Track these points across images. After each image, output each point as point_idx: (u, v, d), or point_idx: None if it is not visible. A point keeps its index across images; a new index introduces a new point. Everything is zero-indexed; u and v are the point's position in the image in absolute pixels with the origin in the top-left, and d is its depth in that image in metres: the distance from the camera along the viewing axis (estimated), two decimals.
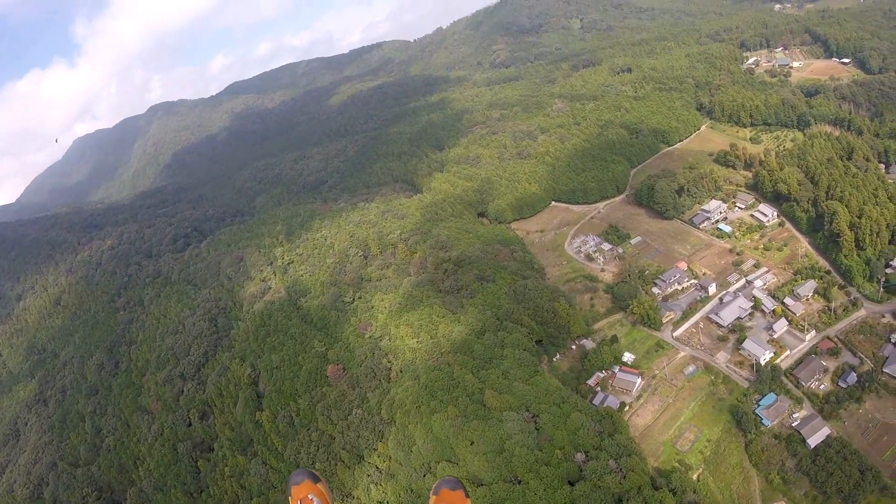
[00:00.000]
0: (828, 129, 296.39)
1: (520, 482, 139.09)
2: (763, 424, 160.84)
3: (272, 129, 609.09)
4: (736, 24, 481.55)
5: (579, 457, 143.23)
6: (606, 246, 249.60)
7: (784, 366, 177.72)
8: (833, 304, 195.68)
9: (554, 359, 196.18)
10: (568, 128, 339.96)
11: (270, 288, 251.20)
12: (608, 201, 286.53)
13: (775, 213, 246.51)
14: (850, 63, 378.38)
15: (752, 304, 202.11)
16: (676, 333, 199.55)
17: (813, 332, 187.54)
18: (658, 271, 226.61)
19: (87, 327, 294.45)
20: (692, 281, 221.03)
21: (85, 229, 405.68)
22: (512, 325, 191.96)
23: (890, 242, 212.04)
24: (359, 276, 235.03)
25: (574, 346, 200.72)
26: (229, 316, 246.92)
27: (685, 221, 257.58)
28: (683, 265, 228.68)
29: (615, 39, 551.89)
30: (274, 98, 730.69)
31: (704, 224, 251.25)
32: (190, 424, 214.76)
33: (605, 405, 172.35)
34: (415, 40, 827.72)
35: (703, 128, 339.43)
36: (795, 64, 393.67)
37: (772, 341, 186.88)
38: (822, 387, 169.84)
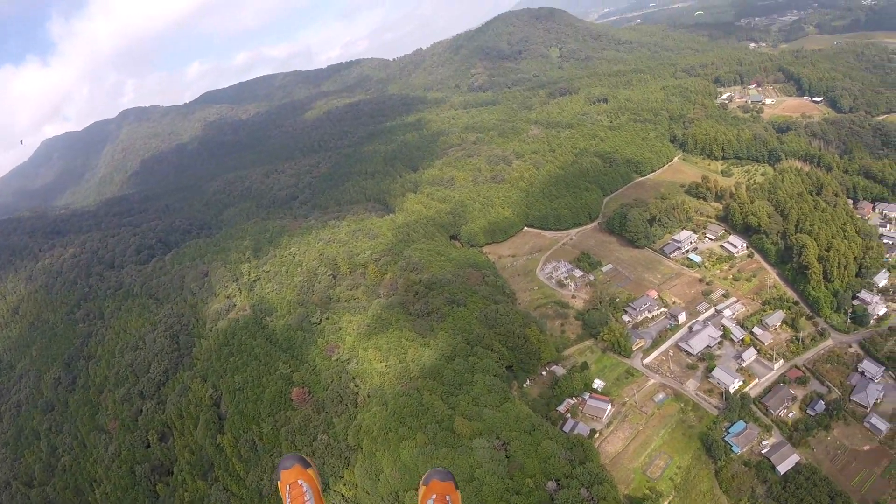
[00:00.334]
0: (798, 164, 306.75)
1: None
2: (733, 451, 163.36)
3: (244, 140, 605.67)
4: (711, 60, 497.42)
5: (550, 485, 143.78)
6: (578, 273, 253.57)
7: (753, 394, 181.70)
8: (801, 334, 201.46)
9: (524, 385, 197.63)
10: (543, 154, 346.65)
11: (235, 305, 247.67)
12: (580, 228, 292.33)
13: (745, 245, 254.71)
14: (821, 102, 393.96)
15: (721, 332, 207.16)
16: (646, 361, 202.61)
17: (781, 361, 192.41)
18: (629, 299, 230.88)
19: (45, 339, 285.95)
20: (662, 309, 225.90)
21: (47, 235, 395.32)
22: (482, 350, 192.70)
23: (857, 275, 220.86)
24: (327, 296, 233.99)
25: (544, 373, 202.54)
26: (191, 333, 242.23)
27: (656, 250, 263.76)
28: (654, 293, 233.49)
29: (592, 69, 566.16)
30: (248, 109, 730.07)
31: (675, 253, 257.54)
32: (149, 446, 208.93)
33: (575, 432, 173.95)
34: (394, 59, 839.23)
35: (675, 159, 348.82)
36: (768, 101, 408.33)
37: (741, 370, 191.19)
38: (790, 415, 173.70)
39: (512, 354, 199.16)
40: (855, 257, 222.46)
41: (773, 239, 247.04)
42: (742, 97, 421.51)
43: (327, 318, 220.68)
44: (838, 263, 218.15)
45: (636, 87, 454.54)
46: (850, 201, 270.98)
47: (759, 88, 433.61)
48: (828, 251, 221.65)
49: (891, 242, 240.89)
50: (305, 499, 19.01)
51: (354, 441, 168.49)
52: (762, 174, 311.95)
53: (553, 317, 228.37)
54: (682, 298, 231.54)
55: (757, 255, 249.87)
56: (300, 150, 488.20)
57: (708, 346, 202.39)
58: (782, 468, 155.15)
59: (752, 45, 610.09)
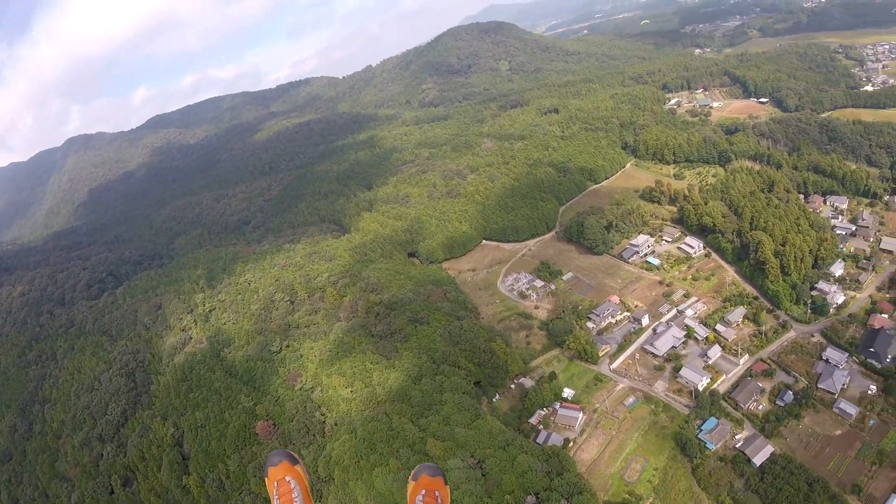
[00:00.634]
0: (748, 164, 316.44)
1: None
2: (707, 448, 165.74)
3: (194, 165, 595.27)
4: (658, 67, 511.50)
5: (530, 500, 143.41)
6: (539, 283, 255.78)
7: (721, 390, 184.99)
8: (763, 328, 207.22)
9: (494, 400, 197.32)
10: (497, 167, 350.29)
11: (191, 338, 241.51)
12: (538, 239, 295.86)
13: (701, 245, 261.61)
14: (767, 102, 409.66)
15: (685, 332, 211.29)
16: (614, 366, 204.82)
17: (746, 356, 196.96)
18: (591, 306, 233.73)
19: None
20: (625, 314, 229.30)
21: None
22: (449, 368, 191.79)
23: (813, 267, 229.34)
24: (286, 323, 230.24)
25: (513, 386, 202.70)
26: (148, 370, 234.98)
27: (615, 256, 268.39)
28: (616, 299, 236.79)
29: (542, 81, 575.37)
30: (196, 133, 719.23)
31: (633, 258, 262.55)
32: (112, 492, 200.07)
33: (549, 443, 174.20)
34: (343, 77, 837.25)
35: (628, 166, 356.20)
36: (715, 104, 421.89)
37: (707, 367, 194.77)
38: (760, 407, 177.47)
39: (479, 370, 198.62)
40: (810, 250, 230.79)
41: (729, 237, 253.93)
42: (690, 102, 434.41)
43: (287, 346, 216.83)
44: (794, 257, 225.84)
45: (586, 96, 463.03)
46: (802, 196, 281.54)
47: (707, 92, 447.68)
48: (783, 246, 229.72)
49: (844, 233, 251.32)
50: (293, 496, 18.81)
51: (325, 472, 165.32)
52: (714, 175, 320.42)
53: (517, 329, 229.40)
54: (644, 301, 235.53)
55: (714, 255, 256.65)
56: (251, 172, 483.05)
57: (673, 347, 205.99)
58: (758, 460, 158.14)
59: (698, 51, 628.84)
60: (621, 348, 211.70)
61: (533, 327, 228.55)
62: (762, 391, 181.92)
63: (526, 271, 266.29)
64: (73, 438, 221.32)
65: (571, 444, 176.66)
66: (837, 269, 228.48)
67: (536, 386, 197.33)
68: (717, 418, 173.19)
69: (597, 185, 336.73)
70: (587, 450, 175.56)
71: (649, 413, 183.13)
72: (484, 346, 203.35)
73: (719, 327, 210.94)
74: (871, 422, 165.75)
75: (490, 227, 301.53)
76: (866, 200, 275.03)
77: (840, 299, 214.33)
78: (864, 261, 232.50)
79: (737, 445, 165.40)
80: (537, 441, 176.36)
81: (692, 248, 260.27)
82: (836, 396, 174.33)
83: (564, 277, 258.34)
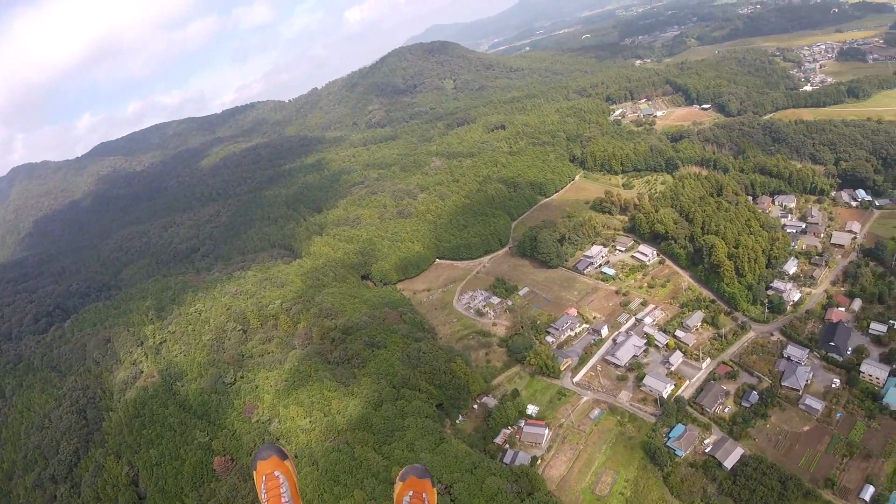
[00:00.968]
0: (695, 169, 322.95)
1: None
2: (677, 455, 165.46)
3: (140, 193, 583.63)
4: (601, 79, 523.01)
5: None
6: (495, 299, 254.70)
7: (686, 396, 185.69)
8: (722, 331, 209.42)
9: (457, 421, 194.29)
10: (447, 185, 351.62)
11: (142, 372, 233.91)
12: (492, 255, 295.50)
13: (655, 252, 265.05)
14: (710, 108, 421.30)
15: (645, 341, 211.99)
16: (576, 379, 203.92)
17: (708, 360, 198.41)
18: (550, 320, 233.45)
19: None
20: (584, 326, 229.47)
21: None
22: (410, 392, 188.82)
23: (767, 266, 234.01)
24: (239, 353, 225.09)
25: (476, 406, 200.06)
26: (99, 406, 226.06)
27: (570, 268, 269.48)
28: (573, 311, 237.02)
29: (488, 98, 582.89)
30: (143, 160, 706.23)
31: (588, 269, 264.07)
32: None
33: (517, 462, 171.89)
34: (290, 101, 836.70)
35: (577, 178, 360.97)
36: (659, 113, 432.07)
37: (670, 374, 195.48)
38: (726, 410, 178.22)
39: (440, 392, 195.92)
40: (763, 250, 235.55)
41: (682, 243, 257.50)
42: (634, 112, 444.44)
43: (242, 377, 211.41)
44: (748, 258, 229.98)
45: (532, 111, 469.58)
46: (751, 198, 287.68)
47: (650, 102, 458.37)
48: (736, 248, 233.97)
49: (794, 231, 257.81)
50: (281, 490, 18.78)
51: None
52: (662, 183, 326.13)
53: (476, 347, 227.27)
54: (602, 312, 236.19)
55: (668, 261, 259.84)
56: (199, 199, 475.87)
57: (635, 356, 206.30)
58: (728, 463, 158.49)
59: (638, 62, 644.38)
60: (582, 361, 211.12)
61: (492, 345, 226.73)
62: (727, 394, 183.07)
63: (482, 288, 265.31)
64: (25, 479, 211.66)
65: (539, 461, 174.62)
66: (791, 267, 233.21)
67: (500, 404, 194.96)
68: (684, 424, 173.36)
69: (547, 199, 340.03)
70: (556, 466, 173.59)
71: (616, 424, 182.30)
72: (444, 367, 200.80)
73: (679, 333, 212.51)
74: (838, 415, 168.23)
75: (443, 245, 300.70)
76: (814, 197, 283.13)
77: (796, 296, 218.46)
78: (817, 257, 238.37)
79: (706, 450, 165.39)
80: (504, 461, 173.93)
81: (646, 255, 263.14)
82: (800, 393, 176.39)
83: (521, 293, 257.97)
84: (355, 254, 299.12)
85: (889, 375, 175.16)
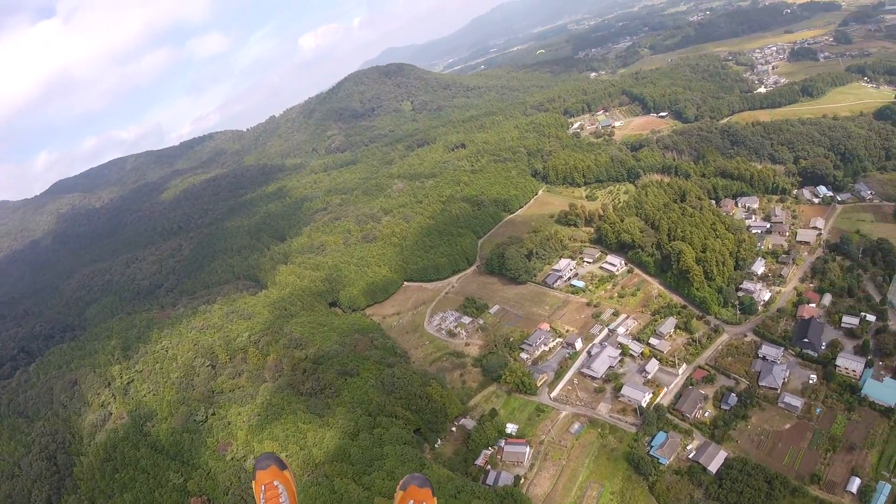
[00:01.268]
0: (657, 177, 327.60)
1: None
2: (661, 464, 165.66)
3: (101, 230, 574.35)
4: (557, 93, 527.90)
5: None
6: (466, 319, 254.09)
7: (665, 403, 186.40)
8: (696, 335, 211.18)
9: (436, 445, 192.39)
10: (411, 207, 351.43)
11: (111, 414, 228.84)
12: (460, 275, 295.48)
13: (623, 262, 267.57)
14: (667, 115, 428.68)
15: (620, 351, 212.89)
16: (554, 394, 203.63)
17: (684, 366, 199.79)
18: (523, 336, 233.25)
19: None
20: (558, 340, 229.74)
21: None
22: (386, 419, 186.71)
23: (736, 268, 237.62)
24: (209, 390, 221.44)
25: (454, 428, 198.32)
26: (69, 451, 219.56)
27: (539, 283, 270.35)
28: (546, 326, 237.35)
29: (446, 118, 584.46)
30: (102, 196, 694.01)
31: (558, 283, 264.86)
32: None
33: (500, 483, 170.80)
34: (248, 130, 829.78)
35: (540, 192, 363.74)
36: (617, 123, 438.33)
37: (648, 382, 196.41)
38: (706, 414, 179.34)
39: (417, 417, 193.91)
40: (730, 252, 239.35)
41: (650, 251, 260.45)
42: (592, 124, 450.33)
43: (213, 414, 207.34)
44: (716, 261, 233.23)
45: (491, 129, 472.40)
46: (714, 202, 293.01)
47: (607, 113, 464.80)
48: (704, 252, 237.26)
49: (760, 231, 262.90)
50: (281, 500, 18.92)
51: None
52: (626, 192, 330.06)
53: (451, 369, 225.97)
54: (575, 325, 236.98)
55: (637, 270, 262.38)
56: (160, 233, 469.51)
57: (611, 367, 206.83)
58: (713, 467, 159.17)
59: (593, 74, 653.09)
60: (559, 375, 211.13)
61: (466, 365, 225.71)
62: (706, 398, 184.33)
63: (452, 309, 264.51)
64: None
65: (523, 480, 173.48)
66: (759, 268, 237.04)
67: (478, 425, 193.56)
68: (665, 432, 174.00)
69: (512, 215, 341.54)
70: (540, 484, 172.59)
71: (597, 437, 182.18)
72: (419, 391, 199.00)
73: (653, 341, 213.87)
74: (818, 410, 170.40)
75: (410, 267, 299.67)
76: (776, 197, 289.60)
77: (766, 296, 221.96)
78: (784, 255, 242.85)
79: (690, 456, 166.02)
80: (487, 483, 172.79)
81: (614, 266, 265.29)
82: (779, 391, 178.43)
83: (492, 311, 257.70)
84: (322, 281, 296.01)
85: (865, 367, 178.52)
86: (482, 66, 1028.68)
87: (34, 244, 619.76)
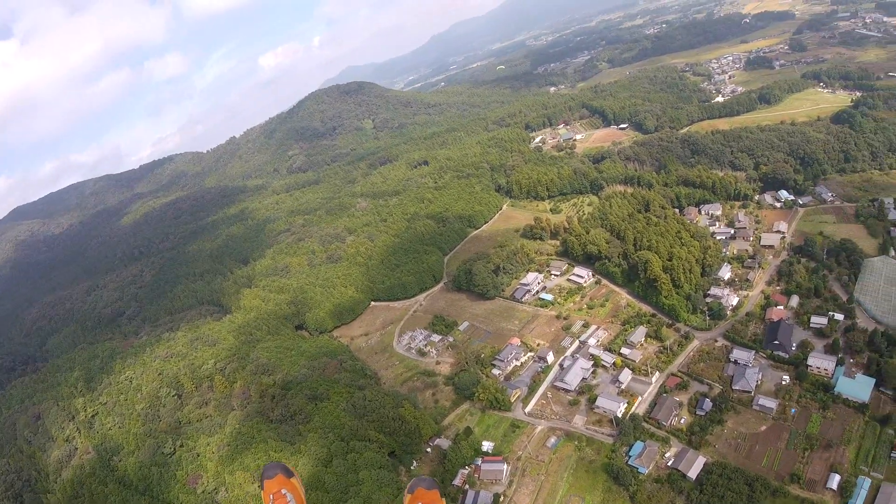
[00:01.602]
0: (620, 188, 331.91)
1: None
2: (640, 473, 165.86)
3: (61, 257, 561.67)
4: (518, 108, 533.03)
5: None
6: (436, 337, 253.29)
7: (640, 412, 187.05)
8: (667, 343, 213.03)
9: (412, 468, 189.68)
10: (375, 225, 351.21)
11: (77, 448, 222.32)
12: (428, 292, 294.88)
13: (590, 273, 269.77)
14: (627, 127, 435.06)
15: (592, 362, 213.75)
16: (528, 409, 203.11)
17: (657, 374, 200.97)
18: (494, 352, 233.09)
19: None
20: (529, 354, 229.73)
21: None
22: (360, 443, 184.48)
23: (703, 275, 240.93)
24: (176, 420, 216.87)
25: (429, 449, 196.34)
26: (36, 488, 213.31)
27: (507, 298, 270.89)
28: (516, 341, 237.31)
29: (408, 135, 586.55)
30: (61, 222, 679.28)
31: (526, 297, 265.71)
32: None
33: (479, 502, 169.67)
34: (208, 151, 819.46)
35: (504, 207, 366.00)
36: (578, 136, 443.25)
37: (622, 392, 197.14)
38: (682, 421, 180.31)
39: (391, 439, 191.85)
40: (696, 259, 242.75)
41: (616, 261, 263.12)
42: (554, 138, 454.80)
43: (182, 446, 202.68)
44: (683, 269, 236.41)
45: (453, 145, 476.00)
46: (678, 210, 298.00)
47: (568, 126, 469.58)
48: (670, 260, 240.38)
49: (724, 238, 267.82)
50: None
51: None
52: (590, 204, 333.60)
53: (422, 388, 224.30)
54: (545, 339, 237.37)
55: (604, 280, 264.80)
56: (121, 259, 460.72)
57: (584, 379, 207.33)
58: (693, 473, 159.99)
59: (553, 88, 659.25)
60: (532, 390, 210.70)
61: (438, 384, 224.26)
62: (681, 405, 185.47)
63: (421, 327, 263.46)
64: None
65: (502, 498, 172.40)
66: (726, 273, 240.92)
67: (454, 445, 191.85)
68: (642, 441, 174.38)
69: (477, 231, 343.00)
70: (520, 501, 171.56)
71: (574, 450, 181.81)
72: (392, 413, 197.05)
73: (624, 351, 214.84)
74: (793, 410, 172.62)
75: (377, 287, 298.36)
76: (738, 203, 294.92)
77: (734, 301, 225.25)
78: (749, 260, 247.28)
79: (669, 464, 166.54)
80: (466, 503, 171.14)
81: (582, 277, 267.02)
82: (752, 394, 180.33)
83: (461, 328, 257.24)
84: (287, 304, 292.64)
85: (836, 365, 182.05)
86: (443, 83, 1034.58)
87: None
